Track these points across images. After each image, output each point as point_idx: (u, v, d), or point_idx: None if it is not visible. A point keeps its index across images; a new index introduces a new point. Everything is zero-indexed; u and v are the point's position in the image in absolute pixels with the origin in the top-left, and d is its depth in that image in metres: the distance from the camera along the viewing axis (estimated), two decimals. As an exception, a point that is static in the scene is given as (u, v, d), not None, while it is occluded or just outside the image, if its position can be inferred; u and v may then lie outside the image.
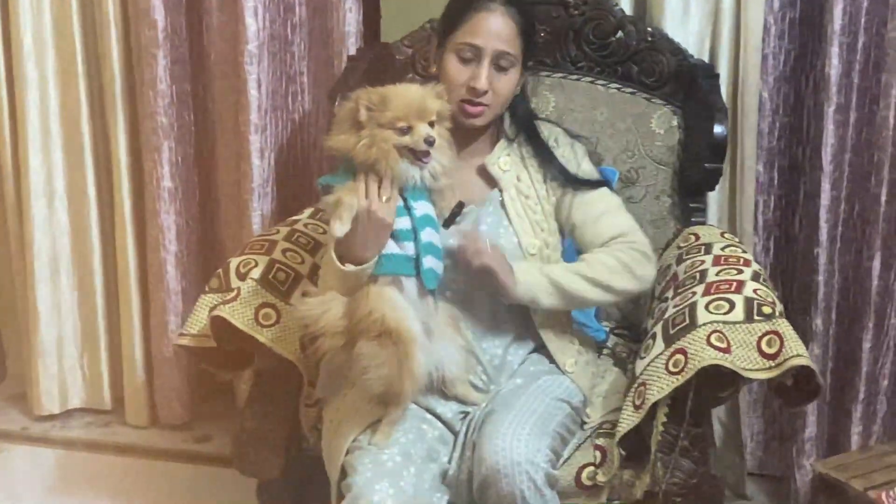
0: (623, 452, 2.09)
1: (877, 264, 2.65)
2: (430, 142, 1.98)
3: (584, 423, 2.19)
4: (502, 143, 2.29)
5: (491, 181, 2.27)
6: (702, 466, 2.07)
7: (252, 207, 2.91)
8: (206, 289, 2.31)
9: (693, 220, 2.55)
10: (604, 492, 2.12)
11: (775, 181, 2.76)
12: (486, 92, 2.17)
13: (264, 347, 2.18)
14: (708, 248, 2.34)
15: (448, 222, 2.15)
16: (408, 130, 1.98)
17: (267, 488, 2.34)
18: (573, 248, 2.28)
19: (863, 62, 2.58)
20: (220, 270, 2.32)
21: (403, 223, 2.02)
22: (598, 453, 2.13)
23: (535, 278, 2.13)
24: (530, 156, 2.29)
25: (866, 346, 2.69)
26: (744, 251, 2.32)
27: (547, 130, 2.33)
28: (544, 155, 2.28)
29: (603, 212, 2.26)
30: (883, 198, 2.60)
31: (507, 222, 2.23)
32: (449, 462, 2.09)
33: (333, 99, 2.64)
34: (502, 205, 2.24)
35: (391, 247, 2.01)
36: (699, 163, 2.50)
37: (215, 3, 2.91)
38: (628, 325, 2.58)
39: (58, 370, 3.29)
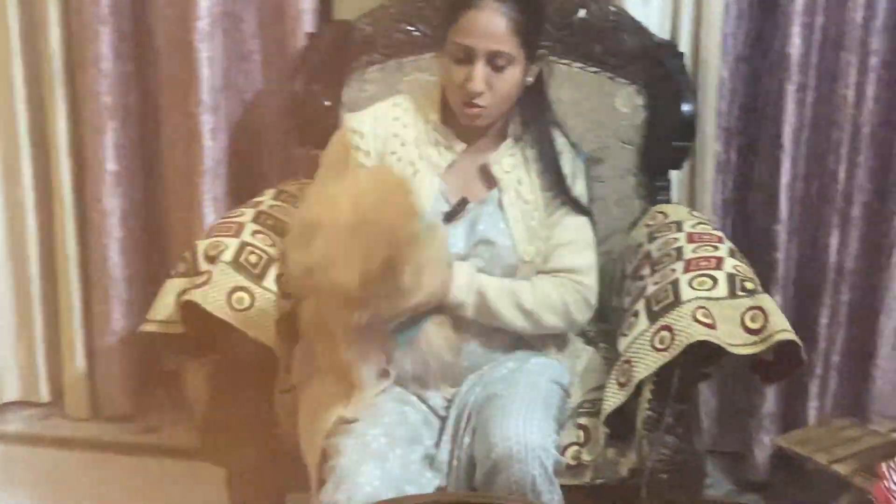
0: (607, 431, 2.09)
1: (834, 241, 2.69)
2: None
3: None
4: (508, 142, 2.23)
5: (492, 180, 2.21)
6: (686, 443, 2.09)
7: (203, 190, 2.82)
8: (172, 273, 2.23)
9: (658, 198, 2.56)
10: (588, 471, 2.11)
11: (732, 161, 2.78)
12: (482, 92, 2.09)
13: (238, 332, 2.11)
14: (679, 225, 2.35)
15: (450, 218, 2.12)
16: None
17: (238, 477, 2.28)
18: None
19: (821, 41, 2.62)
20: (186, 254, 2.24)
21: None
22: (580, 432, 2.13)
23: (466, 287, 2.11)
24: (534, 159, 2.23)
25: (823, 321, 2.73)
26: (714, 228, 2.35)
27: (555, 137, 2.26)
28: (548, 162, 2.22)
29: (570, 241, 2.22)
30: (841, 175, 2.65)
31: (503, 224, 2.18)
32: (436, 447, 2.05)
33: (294, 78, 2.60)
34: (500, 205, 2.19)
35: None
36: (666, 141, 2.51)
37: (160, -23, 2.81)
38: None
39: (-9, 362, 3.16)
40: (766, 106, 2.71)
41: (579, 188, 2.26)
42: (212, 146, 2.80)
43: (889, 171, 2.67)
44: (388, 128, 2.21)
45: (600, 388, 2.18)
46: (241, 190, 2.86)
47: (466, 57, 2.09)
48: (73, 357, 3.10)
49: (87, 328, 3.09)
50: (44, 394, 3.21)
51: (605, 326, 2.44)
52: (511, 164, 2.22)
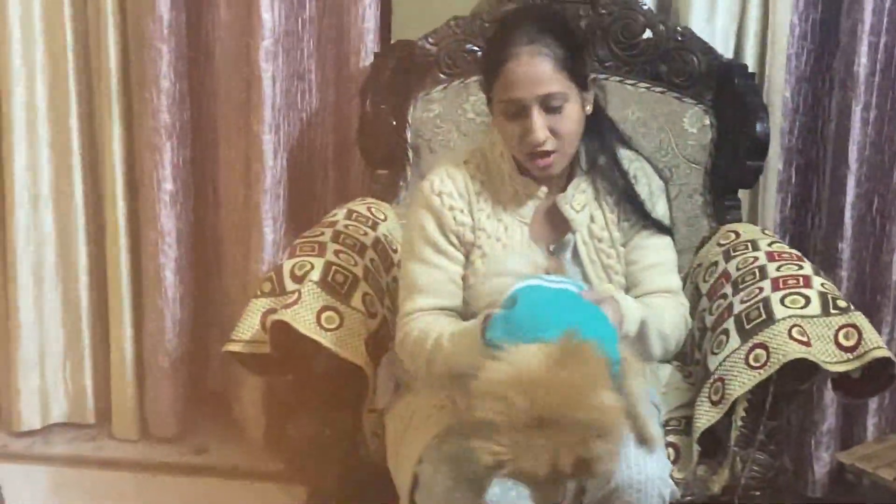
0: (699, 449, 2.09)
1: (896, 258, 2.73)
2: None
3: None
4: (577, 179, 2.14)
5: (565, 221, 2.14)
6: (778, 459, 2.10)
7: (263, 210, 2.81)
8: (258, 293, 2.21)
9: (727, 217, 2.57)
10: (679, 488, 2.10)
11: (793, 179, 2.81)
12: (545, 140, 2.00)
13: (326, 352, 2.10)
14: (754, 244, 2.36)
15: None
16: None
17: (319, 497, 2.27)
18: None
19: (884, 61, 2.65)
20: (271, 273, 2.23)
21: None
22: (671, 450, 2.11)
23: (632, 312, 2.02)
24: (606, 192, 2.14)
25: (884, 338, 2.75)
26: (790, 248, 2.36)
27: (627, 161, 2.18)
28: (621, 192, 2.14)
29: (659, 262, 2.17)
30: (904, 192, 2.68)
31: (577, 267, 2.13)
32: None
33: (365, 97, 2.60)
34: (575, 249, 2.13)
35: None
36: (737, 160, 2.53)
37: (223, -1, 2.81)
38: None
39: (40, 384, 3.11)
40: (827, 125, 2.74)
41: (661, 209, 2.19)
42: (272, 165, 2.80)
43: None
44: (467, 186, 2.12)
45: (684, 405, 2.20)
46: (299, 210, 2.87)
47: (519, 110, 2.00)
48: (123, 377, 3.07)
49: (137, 348, 3.06)
50: (89, 415, 3.17)
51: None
52: (582, 201, 2.13)
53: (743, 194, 2.76)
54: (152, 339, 3.02)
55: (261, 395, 2.98)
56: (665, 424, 2.18)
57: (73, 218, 3.03)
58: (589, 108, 2.09)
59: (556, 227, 2.15)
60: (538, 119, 1.98)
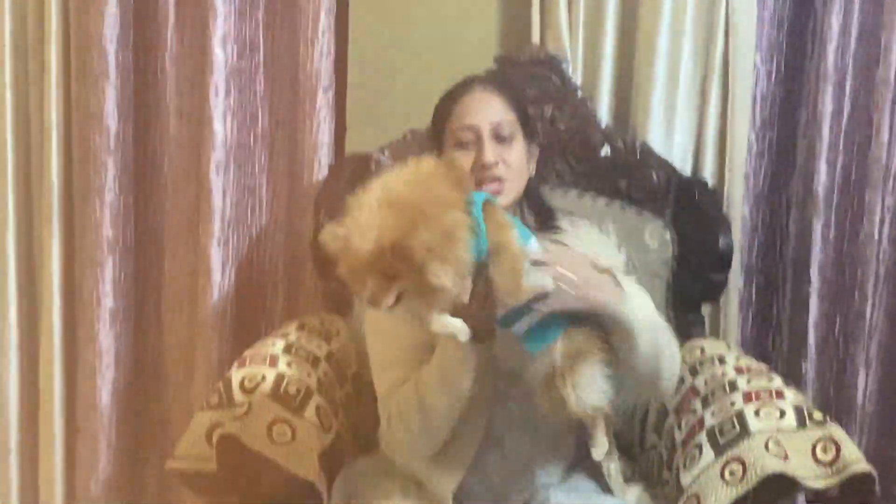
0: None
1: (861, 381, 2.67)
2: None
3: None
4: None
5: None
6: (757, 575, 1.99)
7: (208, 326, 2.69)
8: (204, 405, 2.09)
9: (691, 333, 2.51)
10: None
11: (753, 298, 2.77)
12: (496, 163, 2.07)
13: (278, 467, 1.97)
14: (721, 359, 2.29)
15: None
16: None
17: None
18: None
19: (842, 180, 2.66)
20: (219, 385, 2.11)
21: None
22: (644, 575, 2.01)
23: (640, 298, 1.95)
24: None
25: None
26: (757, 362, 2.30)
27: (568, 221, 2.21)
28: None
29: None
30: (868, 312, 2.64)
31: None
32: None
33: (319, 208, 2.54)
34: None
35: None
36: (700, 275, 2.49)
37: (173, 111, 2.74)
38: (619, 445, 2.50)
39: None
40: (786, 244, 2.73)
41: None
42: (220, 280, 2.70)
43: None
44: None
45: (656, 526, 2.10)
46: (246, 328, 2.75)
47: (473, 137, 2.09)
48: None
49: (68, 476, 2.88)
50: (15, 548, 2.96)
51: (634, 466, 2.35)
52: None
53: (705, 314, 2.72)
54: (85, 466, 2.84)
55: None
56: (637, 547, 2.08)
57: (5, 335, 2.88)
58: (532, 168, 2.19)
59: None
60: (489, 143, 2.08)
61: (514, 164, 2.10)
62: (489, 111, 2.11)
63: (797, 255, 2.68)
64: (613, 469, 2.15)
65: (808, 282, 2.63)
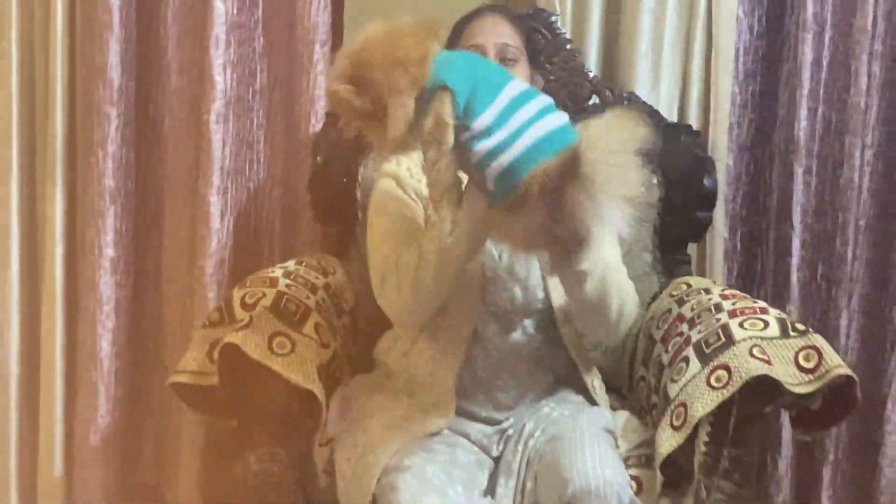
0: (662, 478, 2.03)
1: (843, 322, 2.74)
2: None
3: (617, 451, 2.13)
4: None
5: None
6: (744, 488, 2.04)
7: (207, 273, 2.75)
8: (206, 322, 2.16)
9: (678, 272, 2.59)
10: (643, 520, 2.04)
11: (738, 248, 2.84)
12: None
13: (278, 379, 2.02)
14: (707, 290, 2.36)
15: None
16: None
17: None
18: None
19: (822, 129, 2.74)
20: (220, 304, 2.19)
21: None
22: (633, 483, 2.04)
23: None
24: None
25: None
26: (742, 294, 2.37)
27: None
28: None
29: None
30: (849, 256, 2.72)
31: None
32: (489, 488, 2.00)
33: (316, 151, 2.62)
34: None
35: None
36: (686, 214, 2.57)
37: (174, 65, 2.81)
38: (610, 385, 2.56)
39: (-40, 466, 2.94)
40: (770, 196, 2.80)
41: None
42: (219, 229, 2.76)
43: (889, 254, 2.77)
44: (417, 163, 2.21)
45: (643, 444, 2.15)
46: (244, 275, 2.77)
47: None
48: (51, 460, 2.91)
49: (67, 427, 2.91)
50: (12, 499, 2.99)
51: (629, 401, 2.42)
52: None
53: (693, 255, 2.80)
54: (84, 416, 2.88)
55: (196, 485, 2.85)
56: (626, 459, 2.12)
57: (8, 284, 2.92)
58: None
59: None
60: (494, 62, 2.15)
61: None
62: (495, 33, 2.22)
63: (780, 203, 2.76)
64: (597, 384, 2.24)
65: (791, 227, 2.70)
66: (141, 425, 2.95)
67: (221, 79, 2.73)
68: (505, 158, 1.77)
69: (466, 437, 2.08)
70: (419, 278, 1.98)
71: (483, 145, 1.78)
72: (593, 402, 2.21)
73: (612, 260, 2.11)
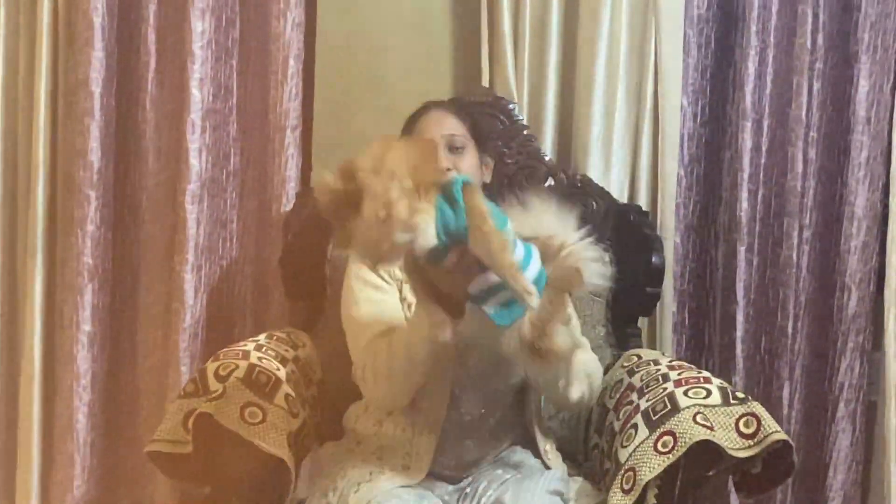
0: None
1: (786, 393, 2.89)
2: None
3: (569, 517, 2.25)
4: None
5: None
6: (691, 547, 2.17)
7: (181, 347, 2.87)
8: (181, 393, 2.26)
9: (629, 345, 2.73)
10: (594, 581, 2.16)
11: (686, 322, 3.00)
12: (449, 170, 2.31)
13: (250, 447, 2.14)
14: (656, 362, 2.50)
15: None
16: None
17: None
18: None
19: (763, 211, 2.93)
20: (195, 375, 2.29)
21: None
22: (586, 548, 2.18)
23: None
24: None
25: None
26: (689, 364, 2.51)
27: None
28: None
29: (575, 324, 2.41)
30: (789, 329, 2.88)
31: None
32: None
33: (287, 229, 2.75)
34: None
35: None
36: (637, 290, 2.72)
37: (152, 149, 2.95)
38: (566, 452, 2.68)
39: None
40: (715, 274, 2.97)
41: None
42: (192, 305, 2.88)
43: (828, 328, 2.93)
44: None
45: (598, 507, 2.27)
46: (217, 350, 2.87)
47: None
48: (27, 528, 2.99)
49: (44, 496, 2.99)
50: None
51: (584, 468, 2.54)
52: None
53: (643, 329, 2.94)
54: (60, 487, 2.96)
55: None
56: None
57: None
58: (487, 178, 2.50)
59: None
60: (443, 153, 2.34)
61: (466, 170, 2.37)
62: (441, 126, 2.41)
63: (724, 280, 2.93)
64: (549, 448, 2.38)
65: (735, 302, 2.87)
66: (116, 496, 3.03)
67: (197, 161, 2.87)
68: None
69: (431, 491, 2.20)
70: (393, 369, 2.14)
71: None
72: (547, 466, 2.34)
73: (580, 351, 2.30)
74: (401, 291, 2.31)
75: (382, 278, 2.32)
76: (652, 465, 2.11)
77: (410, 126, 2.45)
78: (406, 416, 2.26)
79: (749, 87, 2.87)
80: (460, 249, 1.89)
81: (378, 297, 2.29)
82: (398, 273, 2.28)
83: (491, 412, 2.30)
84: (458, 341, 2.12)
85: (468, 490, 2.22)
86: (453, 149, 2.39)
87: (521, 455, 2.33)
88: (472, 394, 2.27)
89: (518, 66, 2.93)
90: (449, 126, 2.41)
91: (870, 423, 3.00)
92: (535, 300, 1.88)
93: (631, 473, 2.14)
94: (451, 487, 2.23)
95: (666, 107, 2.91)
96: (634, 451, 2.17)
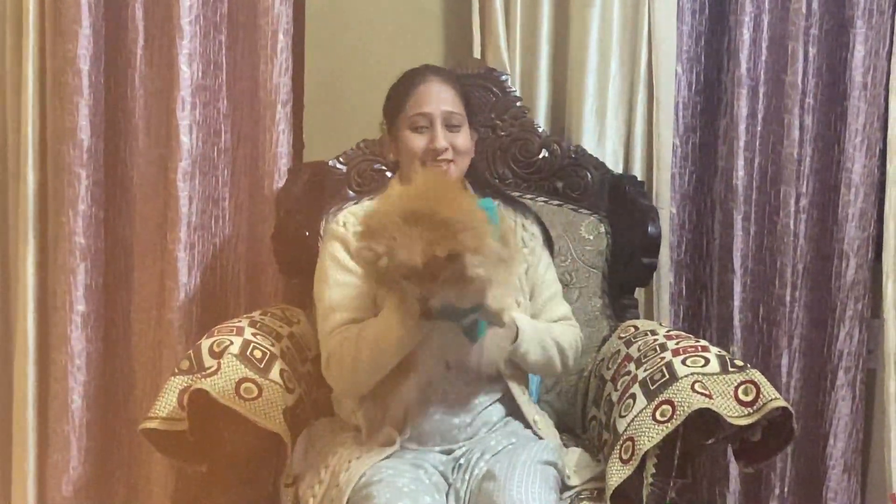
0: (604, 513, 2.14)
1: (784, 362, 2.88)
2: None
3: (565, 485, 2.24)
4: None
5: None
6: (690, 519, 2.16)
7: (175, 326, 2.85)
8: (175, 370, 2.25)
9: (626, 316, 2.72)
10: (594, 552, 2.15)
11: (683, 293, 2.99)
12: (446, 148, 2.34)
13: (245, 422, 2.13)
14: (653, 332, 2.49)
15: None
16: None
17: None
18: None
19: (759, 179, 2.91)
20: (190, 352, 2.28)
21: None
22: (586, 519, 2.17)
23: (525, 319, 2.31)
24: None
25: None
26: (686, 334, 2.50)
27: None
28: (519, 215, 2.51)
29: (555, 293, 2.46)
30: (787, 298, 2.87)
31: None
32: None
33: (280, 206, 2.73)
34: None
35: None
36: (632, 260, 2.70)
37: (142, 126, 2.93)
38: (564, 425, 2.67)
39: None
40: (712, 243, 2.96)
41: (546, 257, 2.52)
42: (186, 283, 2.86)
43: (826, 296, 2.92)
44: None
45: (595, 479, 2.25)
46: (210, 328, 2.87)
47: (426, 123, 2.36)
48: (25, 506, 2.98)
49: (41, 476, 2.98)
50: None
51: (582, 441, 2.53)
52: None
53: (639, 308, 2.93)
54: (57, 467, 2.95)
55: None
56: (579, 493, 2.23)
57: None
58: (472, 149, 2.46)
59: None
60: (441, 130, 2.36)
61: (462, 148, 2.38)
62: (444, 101, 2.38)
63: (721, 249, 2.91)
64: (539, 419, 2.37)
65: (732, 272, 2.85)
66: (112, 475, 3.02)
67: (187, 139, 2.85)
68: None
69: (425, 461, 2.20)
70: (358, 363, 2.16)
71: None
72: (539, 437, 2.34)
73: (543, 325, 2.36)
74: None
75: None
76: (651, 435, 2.11)
77: (407, 89, 2.40)
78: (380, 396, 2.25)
79: (744, 54, 2.84)
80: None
81: (349, 280, 2.27)
82: None
83: (477, 388, 2.30)
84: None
85: (462, 461, 2.21)
86: (451, 126, 2.37)
87: (513, 426, 2.33)
88: (454, 375, 2.27)
89: (510, 36, 2.91)
90: (448, 101, 2.39)
91: (869, 390, 2.99)
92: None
93: (629, 443, 2.13)
94: (445, 458, 2.22)
95: (660, 75, 2.88)
96: (633, 420, 2.17)
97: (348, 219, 2.36)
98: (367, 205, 2.42)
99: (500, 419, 2.32)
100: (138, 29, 2.90)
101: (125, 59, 2.92)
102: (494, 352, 2.21)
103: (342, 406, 2.36)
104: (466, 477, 2.16)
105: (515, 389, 2.34)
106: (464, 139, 2.39)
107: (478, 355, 2.18)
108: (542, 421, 2.38)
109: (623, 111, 2.91)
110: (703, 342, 2.32)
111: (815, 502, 2.95)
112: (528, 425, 2.33)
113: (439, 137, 2.34)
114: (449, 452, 2.23)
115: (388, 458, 2.15)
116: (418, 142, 2.36)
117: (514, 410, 2.35)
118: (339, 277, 2.28)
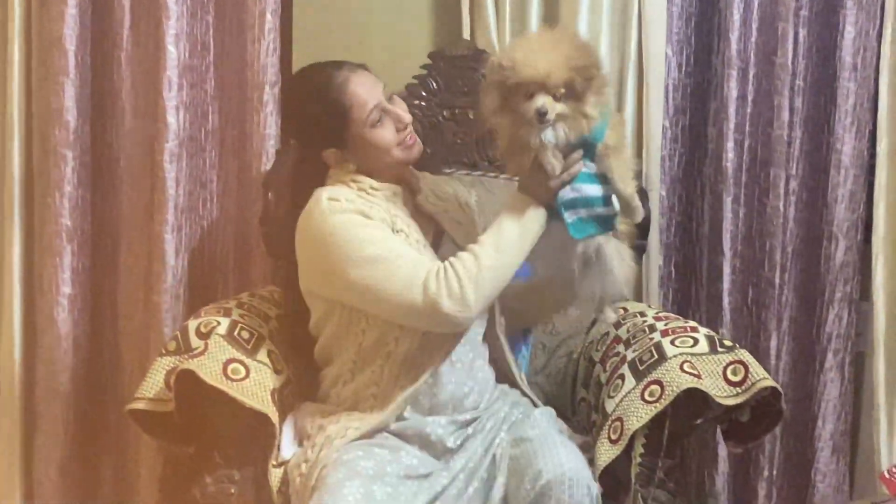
0: (601, 489, 2.13)
1: (773, 344, 2.88)
2: (541, 114, 2.05)
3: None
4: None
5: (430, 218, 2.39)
6: (678, 498, 2.15)
7: (163, 310, 2.84)
8: (162, 351, 2.24)
9: (615, 299, 2.72)
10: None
11: (673, 275, 2.98)
12: (411, 119, 2.33)
13: (233, 403, 2.12)
14: (642, 314, 2.49)
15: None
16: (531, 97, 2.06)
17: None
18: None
19: (749, 161, 2.90)
20: (177, 333, 2.27)
21: None
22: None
23: None
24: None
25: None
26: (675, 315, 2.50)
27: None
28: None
29: None
30: (776, 280, 2.87)
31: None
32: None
33: (267, 188, 2.72)
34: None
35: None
36: (623, 242, 2.69)
37: (129, 107, 2.90)
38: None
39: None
40: (701, 227, 2.96)
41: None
42: (173, 265, 2.85)
43: (816, 278, 2.92)
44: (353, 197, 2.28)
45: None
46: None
47: (380, 114, 2.27)
48: (13, 494, 2.96)
49: (28, 459, 2.98)
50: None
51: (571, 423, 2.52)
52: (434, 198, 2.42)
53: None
54: (44, 450, 2.94)
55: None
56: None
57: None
58: None
59: (422, 223, 2.35)
60: (399, 104, 2.34)
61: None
62: (378, 87, 2.30)
63: (711, 232, 2.91)
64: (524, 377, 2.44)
65: (721, 254, 2.85)
66: (99, 458, 3.02)
67: (174, 120, 2.82)
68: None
69: (420, 434, 2.21)
70: (501, 268, 2.14)
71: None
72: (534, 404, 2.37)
73: None
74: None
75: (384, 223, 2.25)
76: (639, 415, 2.11)
77: (340, 97, 2.27)
78: (378, 366, 2.26)
79: (734, 35, 2.83)
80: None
81: (388, 232, 2.22)
82: (391, 221, 2.25)
83: (479, 353, 2.32)
84: None
85: (470, 430, 2.23)
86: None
87: (514, 395, 2.37)
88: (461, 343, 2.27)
89: (499, 17, 2.90)
90: (379, 86, 2.31)
91: (858, 373, 3.00)
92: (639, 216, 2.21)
93: (618, 423, 2.14)
94: (444, 420, 2.23)
95: (650, 57, 2.87)
96: (621, 401, 2.17)
97: (336, 193, 2.25)
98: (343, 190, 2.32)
99: (495, 385, 2.34)
100: (125, 9, 2.87)
101: (111, 40, 2.89)
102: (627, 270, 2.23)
103: (331, 391, 2.35)
104: (480, 450, 2.19)
105: (506, 350, 2.38)
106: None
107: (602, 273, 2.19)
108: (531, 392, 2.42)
109: (613, 93, 2.89)
110: (693, 323, 2.33)
111: (803, 484, 2.96)
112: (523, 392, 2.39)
113: (402, 114, 2.30)
114: (459, 423, 2.24)
115: (371, 440, 2.17)
116: (387, 132, 2.29)
117: (501, 376, 2.39)
118: (378, 233, 2.19)
